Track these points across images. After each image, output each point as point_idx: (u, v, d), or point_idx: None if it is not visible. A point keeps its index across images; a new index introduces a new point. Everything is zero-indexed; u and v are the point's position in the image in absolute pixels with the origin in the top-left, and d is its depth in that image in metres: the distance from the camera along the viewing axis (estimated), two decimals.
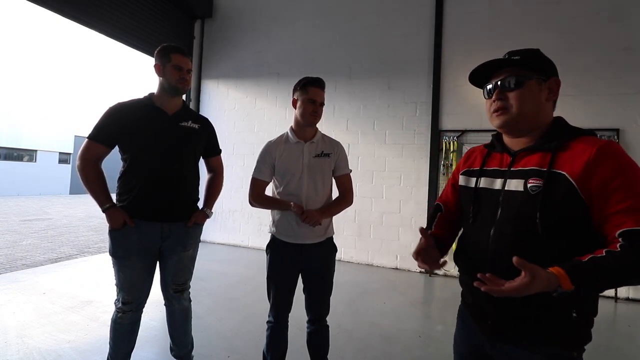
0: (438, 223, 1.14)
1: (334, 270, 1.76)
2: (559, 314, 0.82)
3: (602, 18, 3.64)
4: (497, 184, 0.92)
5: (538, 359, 0.84)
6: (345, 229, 4.57)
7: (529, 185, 0.84)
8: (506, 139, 0.98)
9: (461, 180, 1.06)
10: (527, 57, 0.89)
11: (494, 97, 0.92)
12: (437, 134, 4.18)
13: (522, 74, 0.88)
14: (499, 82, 0.91)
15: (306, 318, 1.77)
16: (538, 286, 0.71)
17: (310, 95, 1.63)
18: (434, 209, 1.18)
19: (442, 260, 1.02)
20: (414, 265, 4.26)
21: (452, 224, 1.14)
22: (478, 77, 0.98)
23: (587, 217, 0.79)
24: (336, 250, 1.76)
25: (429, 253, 0.99)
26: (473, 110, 4.03)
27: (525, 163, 0.88)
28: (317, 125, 1.73)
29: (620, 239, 0.73)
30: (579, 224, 0.80)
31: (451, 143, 4.09)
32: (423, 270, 4.13)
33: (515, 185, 0.87)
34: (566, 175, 0.79)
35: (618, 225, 0.74)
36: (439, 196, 1.19)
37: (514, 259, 0.71)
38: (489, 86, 0.95)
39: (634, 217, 0.73)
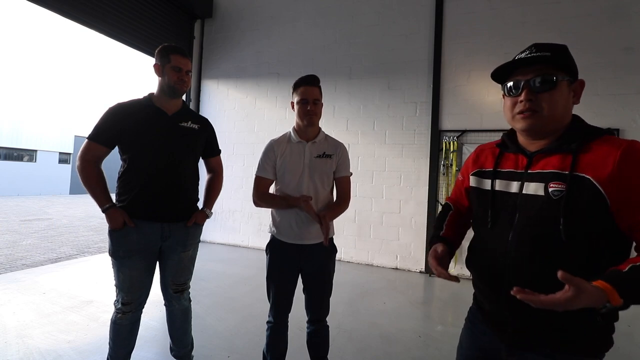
0: (449, 223, 1.09)
1: (334, 271, 1.76)
2: (582, 321, 0.79)
3: (602, 18, 3.64)
4: (514, 187, 0.87)
5: None
6: (345, 229, 4.57)
7: (550, 189, 0.79)
8: (521, 139, 0.91)
9: (472, 181, 1.00)
10: (558, 55, 0.82)
11: (522, 96, 0.83)
12: (437, 134, 4.17)
13: (554, 74, 0.81)
14: (530, 82, 0.82)
15: (306, 318, 1.77)
16: (584, 301, 0.66)
17: (300, 95, 1.62)
18: (444, 208, 1.14)
19: (454, 273, 1.01)
20: (414, 265, 4.26)
21: (461, 225, 1.11)
22: (498, 73, 0.89)
23: (613, 221, 0.75)
24: (336, 251, 1.76)
25: (443, 261, 0.95)
26: (473, 110, 4.03)
27: (544, 165, 0.83)
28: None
29: None
30: (604, 229, 0.76)
31: (451, 143, 4.09)
32: (422, 270, 4.14)
33: (534, 188, 0.82)
34: (591, 179, 0.75)
35: None
36: (449, 196, 1.14)
37: (559, 273, 0.65)
38: (510, 83, 0.86)
39: None
